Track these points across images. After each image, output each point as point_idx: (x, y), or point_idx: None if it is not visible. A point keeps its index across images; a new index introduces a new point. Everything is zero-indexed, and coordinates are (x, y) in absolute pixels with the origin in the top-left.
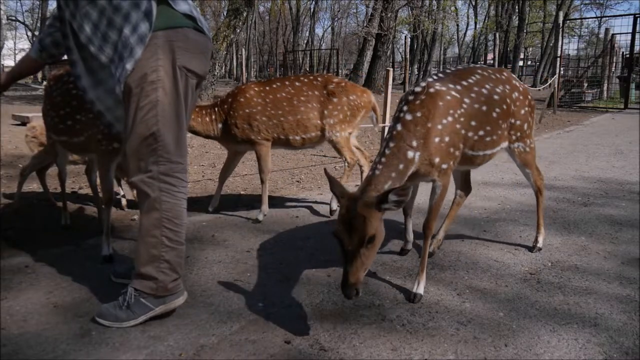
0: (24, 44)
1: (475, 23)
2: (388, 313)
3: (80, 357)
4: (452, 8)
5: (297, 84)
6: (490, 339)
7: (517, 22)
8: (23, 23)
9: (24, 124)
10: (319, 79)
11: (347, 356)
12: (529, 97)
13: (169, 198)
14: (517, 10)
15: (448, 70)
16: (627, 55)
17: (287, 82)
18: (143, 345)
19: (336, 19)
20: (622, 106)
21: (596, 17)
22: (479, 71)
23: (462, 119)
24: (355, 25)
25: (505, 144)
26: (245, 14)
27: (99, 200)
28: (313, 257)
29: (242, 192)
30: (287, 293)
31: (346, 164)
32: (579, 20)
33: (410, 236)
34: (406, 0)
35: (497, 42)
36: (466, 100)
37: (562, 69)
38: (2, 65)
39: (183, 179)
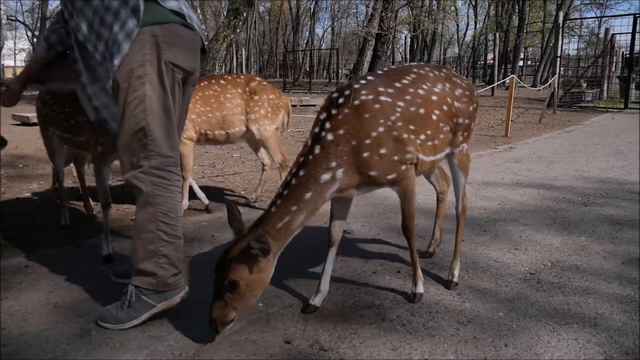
0: (24, 44)
1: (475, 23)
2: (388, 313)
3: (80, 357)
4: (452, 8)
5: (222, 82)
6: (490, 339)
7: (517, 22)
8: (23, 23)
9: (24, 124)
10: (241, 77)
11: (347, 356)
12: (474, 94)
13: (163, 192)
14: (517, 10)
15: (380, 72)
16: (627, 55)
17: (213, 81)
18: (143, 345)
19: (336, 19)
20: (622, 106)
21: (596, 17)
22: (415, 70)
23: (398, 124)
24: (355, 25)
25: (449, 149)
26: (245, 14)
27: (85, 190)
28: (313, 257)
29: (241, 192)
30: (287, 293)
31: (278, 166)
32: (579, 20)
33: (325, 284)
34: (406, 0)
35: (497, 42)
36: (400, 103)
37: (562, 69)
38: (2, 65)
39: (176, 173)
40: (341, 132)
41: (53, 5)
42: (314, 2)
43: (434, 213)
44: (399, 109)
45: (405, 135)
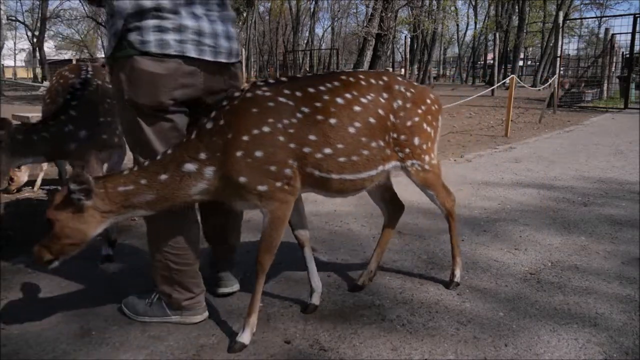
0: (24, 44)
1: (475, 23)
2: (388, 313)
3: (80, 357)
4: (452, 8)
5: None
6: (490, 339)
7: (517, 22)
8: (23, 23)
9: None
10: None
11: (347, 356)
12: (427, 104)
13: (164, 224)
14: (517, 10)
15: (299, 75)
16: (627, 55)
17: None
18: (143, 345)
19: (336, 19)
20: (622, 106)
21: (596, 17)
22: (343, 77)
23: (291, 131)
24: (355, 25)
25: (391, 164)
26: (245, 14)
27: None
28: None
29: None
30: (287, 293)
31: None
32: (579, 20)
33: (315, 282)
34: (406, 0)
35: (497, 42)
36: (304, 109)
37: (562, 69)
38: (2, 65)
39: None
40: (221, 122)
41: (53, 5)
42: (314, 2)
43: (434, 213)
44: (299, 115)
45: (292, 145)
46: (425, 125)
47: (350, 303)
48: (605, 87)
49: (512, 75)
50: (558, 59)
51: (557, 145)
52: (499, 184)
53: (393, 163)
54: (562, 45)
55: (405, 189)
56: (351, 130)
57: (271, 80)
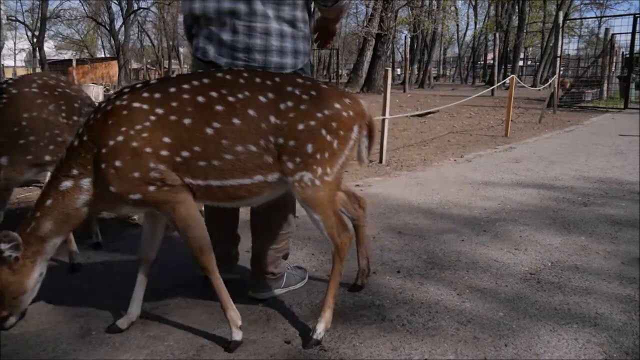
0: (24, 44)
1: (475, 23)
2: (388, 313)
3: (80, 357)
4: (452, 8)
5: None
6: (490, 339)
7: (517, 22)
8: (23, 23)
9: None
10: None
11: (347, 356)
12: (335, 108)
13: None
14: (517, 10)
15: (171, 77)
16: (627, 55)
17: None
18: (143, 345)
19: None
20: (622, 106)
21: (596, 17)
22: (219, 75)
23: (144, 135)
24: (355, 25)
25: (275, 175)
26: None
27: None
28: (313, 257)
29: None
30: (287, 293)
31: None
32: (579, 20)
33: (134, 307)
34: (406, 0)
35: (497, 42)
36: (158, 111)
37: (562, 69)
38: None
39: None
40: (85, 138)
41: (53, 5)
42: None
43: (434, 213)
44: (152, 117)
45: (148, 149)
46: (324, 132)
47: (350, 303)
48: (605, 87)
49: (512, 75)
50: (558, 59)
51: (557, 145)
52: (499, 184)
53: (277, 175)
54: (562, 45)
55: (405, 189)
56: (208, 131)
57: (138, 85)
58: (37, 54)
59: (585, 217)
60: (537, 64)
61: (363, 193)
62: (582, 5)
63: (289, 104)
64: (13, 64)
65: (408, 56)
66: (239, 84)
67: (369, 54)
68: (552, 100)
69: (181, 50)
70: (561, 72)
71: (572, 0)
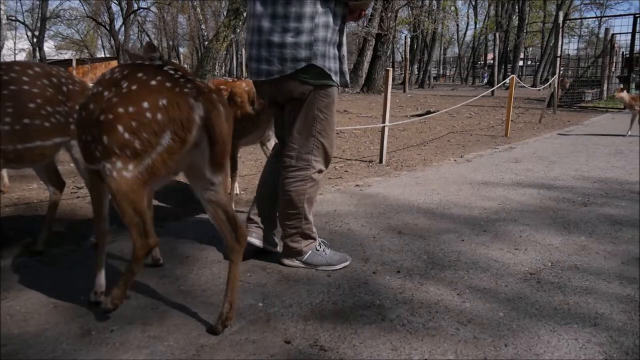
0: (24, 44)
1: (475, 23)
2: (388, 313)
3: (80, 357)
4: (452, 8)
5: None
6: (490, 339)
7: (517, 22)
8: (23, 23)
9: None
10: None
11: (347, 356)
12: (127, 104)
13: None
14: (517, 10)
15: None
16: (627, 55)
17: None
18: (143, 345)
19: None
20: (622, 106)
21: (596, 17)
22: None
23: None
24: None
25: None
26: (245, 14)
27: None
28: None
29: (241, 192)
30: (287, 293)
31: None
32: (579, 20)
33: None
34: (406, 0)
35: (497, 42)
36: None
37: (562, 69)
38: None
39: None
40: None
41: (53, 5)
42: None
43: (434, 213)
44: None
45: None
46: (121, 128)
47: (350, 303)
48: (605, 87)
49: (512, 75)
50: (558, 59)
51: (557, 145)
52: (499, 184)
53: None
54: (562, 45)
55: (405, 189)
56: None
57: None
58: (37, 54)
59: (585, 217)
60: (537, 64)
61: (363, 193)
62: (582, 5)
63: (101, 91)
64: None
65: (408, 56)
66: None
67: (369, 54)
68: (552, 100)
69: (181, 50)
70: (561, 72)
71: (572, 0)
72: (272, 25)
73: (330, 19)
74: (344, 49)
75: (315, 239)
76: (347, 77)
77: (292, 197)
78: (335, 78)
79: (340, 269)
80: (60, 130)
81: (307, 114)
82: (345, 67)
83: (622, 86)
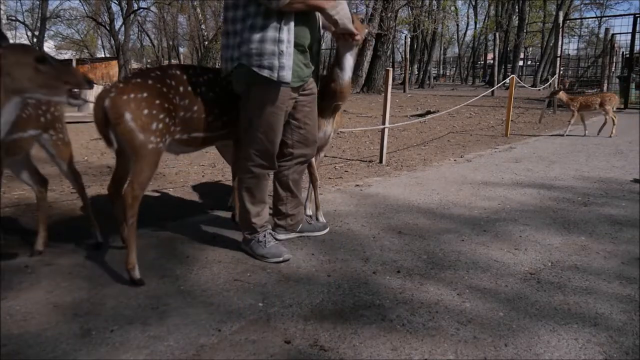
0: None
1: (475, 23)
2: (388, 313)
3: (80, 357)
4: (452, 8)
5: None
6: (490, 339)
7: (517, 22)
8: (23, 23)
9: None
10: None
11: (347, 356)
12: None
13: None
14: (517, 10)
15: None
16: (627, 55)
17: None
18: (143, 345)
19: None
20: (622, 106)
21: (596, 17)
22: None
23: None
24: None
25: None
26: None
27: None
28: (313, 257)
29: None
30: (287, 293)
31: None
32: (579, 20)
33: None
34: (406, 0)
35: (497, 42)
36: None
37: (562, 69)
38: None
39: None
40: None
41: (53, 5)
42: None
43: (434, 213)
44: None
45: None
46: None
47: (350, 303)
48: (605, 87)
49: (512, 75)
50: (558, 59)
51: (557, 145)
52: (499, 184)
53: None
54: (562, 45)
55: (405, 189)
56: None
57: None
58: None
59: (585, 217)
60: (537, 64)
61: (363, 193)
62: (582, 5)
63: None
64: None
65: (408, 56)
66: None
67: (369, 53)
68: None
69: (181, 50)
70: (561, 72)
71: (572, 0)
72: (225, 28)
73: (269, 20)
74: (306, 42)
75: (257, 231)
76: (310, 68)
77: (237, 187)
78: (274, 74)
79: (274, 262)
80: (33, 122)
81: (245, 109)
82: (306, 59)
83: (562, 86)
